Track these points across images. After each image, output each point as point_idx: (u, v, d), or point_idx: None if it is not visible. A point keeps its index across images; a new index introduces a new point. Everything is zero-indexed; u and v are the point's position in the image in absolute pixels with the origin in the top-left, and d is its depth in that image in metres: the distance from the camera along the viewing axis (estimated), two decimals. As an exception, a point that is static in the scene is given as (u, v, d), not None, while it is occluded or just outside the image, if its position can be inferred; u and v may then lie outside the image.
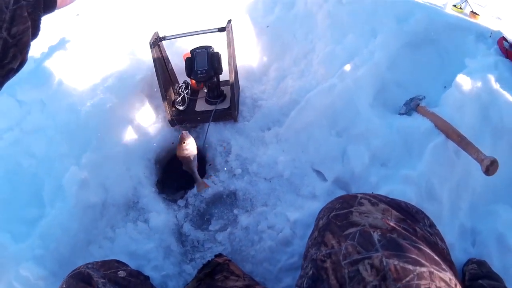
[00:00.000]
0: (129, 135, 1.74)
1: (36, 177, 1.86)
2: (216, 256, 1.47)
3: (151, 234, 1.60)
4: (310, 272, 0.89)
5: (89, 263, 1.17)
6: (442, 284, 0.75)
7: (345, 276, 0.80)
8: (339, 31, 1.93)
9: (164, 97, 1.72)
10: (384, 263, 0.77)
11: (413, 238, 0.85)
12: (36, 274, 1.54)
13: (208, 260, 1.45)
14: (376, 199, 0.99)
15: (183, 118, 1.72)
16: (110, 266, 1.18)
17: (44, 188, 1.77)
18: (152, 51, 1.68)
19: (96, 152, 1.68)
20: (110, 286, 1.08)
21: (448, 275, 0.78)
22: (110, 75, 1.88)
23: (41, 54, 2.25)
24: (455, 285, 0.78)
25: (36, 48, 2.36)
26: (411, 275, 0.75)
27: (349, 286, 0.78)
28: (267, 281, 1.50)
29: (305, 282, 0.90)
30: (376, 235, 0.84)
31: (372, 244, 0.81)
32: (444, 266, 0.81)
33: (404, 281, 0.74)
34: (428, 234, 0.93)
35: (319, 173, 1.64)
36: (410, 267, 0.76)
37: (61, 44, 2.19)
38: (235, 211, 1.63)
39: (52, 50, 2.17)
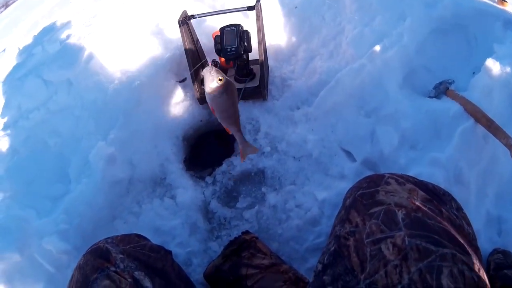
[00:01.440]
0: (157, 113, 1.72)
1: (62, 156, 1.85)
2: (243, 233, 1.43)
3: (177, 210, 1.57)
4: (332, 249, 0.87)
5: (108, 238, 1.14)
6: (465, 267, 0.71)
7: (366, 254, 0.77)
8: (368, 14, 1.89)
9: (193, 75, 1.68)
10: (406, 242, 0.73)
11: (438, 218, 0.81)
12: (59, 248, 1.52)
13: (235, 237, 1.42)
14: (403, 179, 0.95)
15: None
16: (130, 241, 1.14)
17: (70, 165, 1.75)
18: (180, 30, 1.65)
19: (124, 129, 1.66)
20: (129, 262, 1.04)
21: (471, 259, 0.74)
22: (138, 53, 1.86)
23: (67, 36, 2.23)
24: (478, 270, 0.74)
25: (60, 29, 2.36)
26: (433, 256, 0.71)
27: (370, 263, 0.75)
28: (293, 260, 1.47)
29: (325, 258, 0.88)
30: (400, 214, 0.80)
31: (395, 223, 0.78)
32: (468, 250, 0.77)
33: (425, 262, 0.71)
34: (454, 217, 0.89)
35: (348, 153, 1.60)
36: (433, 247, 0.72)
37: (87, 24, 2.18)
38: (263, 189, 1.60)
39: (78, 30, 2.16)
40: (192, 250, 1.50)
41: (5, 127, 2.17)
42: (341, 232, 0.87)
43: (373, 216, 0.83)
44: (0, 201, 1.79)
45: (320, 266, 0.89)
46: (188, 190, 1.59)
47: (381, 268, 0.73)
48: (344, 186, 1.51)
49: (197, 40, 1.77)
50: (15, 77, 2.33)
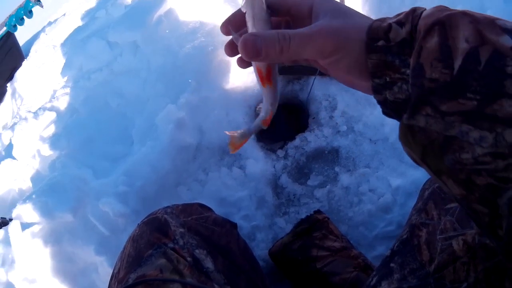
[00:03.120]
0: (230, 81, 1.62)
1: (124, 117, 1.77)
2: (315, 212, 1.32)
3: (245, 182, 1.46)
4: (405, 236, 0.83)
5: (168, 207, 0.99)
6: None
7: (437, 248, 0.74)
8: (449, 3, 1.74)
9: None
10: (476, 240, 0.69)
11: None
12: (117, 211, 1.41)
13: (307, 216, 1.31)
14: None
15: (289, 68, 1.56)
16: (192, 212, 0.99)
17: (133, 127, 1.67)
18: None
19: (195, 94, 1.56)
20: (189, 238, 0.89)
21: None
22: (211, 20, 1.76)
23: (133, 0, 2.15)
24: None
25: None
26: (499, 257, 0.66)
27: (439, 256, 0.72)
28: (360, 246, 1.35)
29: (396, 245, 0.84)
30: None
31: (468, 221, 0.74)
32: None
33: (492, 261, 0.66)
34: None
35: (425, 141, 1.47)
36: None
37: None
38: (336, 169, 1.48)
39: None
40: (258, 225, 1.40)
41: (65, 86, 2.11)
42: (416, 222, 0.83)
43: (449, 212, 0.78)
44: (56, 159, 1.72)
45: (389, 252, 0.85)
46: (258, 162, 1.48)
47: (450, 264, 0.70)
48: (419, 175, 1.39)
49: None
50: (77, 39, 2.26)
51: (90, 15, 2.47)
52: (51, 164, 1.73)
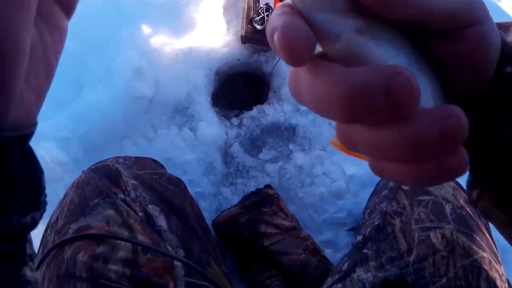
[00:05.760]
0: (196, 39, 1.49)
1: (81, 62, 1.60)
2: (265, 186, 1.24)
3: (195, 145, 1.34)
4: (376, 223, 0.81)
5: (119, 157, 0.87)
6: (496, 275, 0.69)
7: (414, 238, 0.74)
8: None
9: (244, 11, 1.45)
10: (455, 237, 0.71)
11: (478, 222, 0.78)
12: (54, 157, 1.27)
13: (257, 189, 1.22)
14: None
15: (258, 38, 1.45)
16: (145, 165, 0.87)
17: (88, 71, 1.50)
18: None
19: (158, 44, 1.43)
20: (142, 191, 0.79)
21: (502, 269, 0.74)
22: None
23: None
24: (506, 281, 0.73)
25: None
26: (475, 256, 0.70)
27: (418, 247, 0.72)
28: (307, 228, 1.28)
29: (367, 231, 0.82)
30: (448, 208, 0.77)
31: (444, 216, 0.76)
32: (499, 259, 0.76)
33: (469, 260, 0.69)
34: (488, 226, 0.87)
35: (384, 133, 1.41)
36: (475, 248, 0.71)
37: None
38: (291, 146, 1.39)
39: None
40: (202, 191, 1.29)
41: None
42: (387, 209, 0.82)
43: (421, 203, 0.79)
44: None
45: (360, 238, 0.83)
46: (211, 126, 1.37)
47: (430, 256, 0.70)
48: (375, 168, 1.33)
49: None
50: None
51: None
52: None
